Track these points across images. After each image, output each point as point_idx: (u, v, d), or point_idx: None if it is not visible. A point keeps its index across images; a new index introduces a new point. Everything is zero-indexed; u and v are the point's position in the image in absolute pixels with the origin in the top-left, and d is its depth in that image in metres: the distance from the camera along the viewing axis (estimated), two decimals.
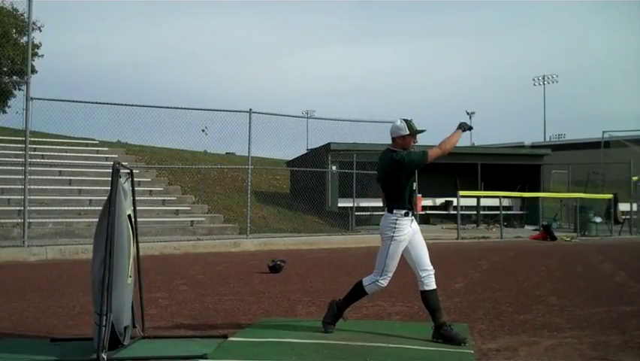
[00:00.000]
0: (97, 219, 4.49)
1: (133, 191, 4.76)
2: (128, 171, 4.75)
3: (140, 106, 13.21)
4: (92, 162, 16.87)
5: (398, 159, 4.82)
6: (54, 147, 17.42)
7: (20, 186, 11.72)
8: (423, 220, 17.99)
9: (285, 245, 13.64)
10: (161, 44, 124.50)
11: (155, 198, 16.00)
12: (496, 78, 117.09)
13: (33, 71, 17.64)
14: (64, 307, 6.33)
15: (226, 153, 23.13)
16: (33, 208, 12.45)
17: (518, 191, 20.83)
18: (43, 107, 11.69)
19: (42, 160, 15.77)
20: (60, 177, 15.48)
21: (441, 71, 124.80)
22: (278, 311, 6.21)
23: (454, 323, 5.18)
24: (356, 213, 17.40)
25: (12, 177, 13.59)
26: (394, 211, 4.86)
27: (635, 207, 19.88)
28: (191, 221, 15.13)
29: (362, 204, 18.03)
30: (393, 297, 6.90)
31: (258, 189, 19.30)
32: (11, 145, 15.28)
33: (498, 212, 19.03)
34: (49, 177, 14.99)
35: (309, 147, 20.19)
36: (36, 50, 21.94)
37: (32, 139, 12.39)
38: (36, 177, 13.60)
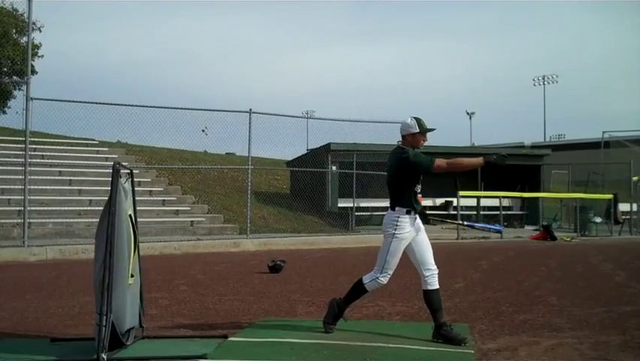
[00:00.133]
0: (97, 220, 4.50)
1: (133, 191, 4.76)
2: (128, 171, 4.75)
3: (140, 106, 13.23)
4: (92, 162, 16.87)
5: (405, 156, 4.83)
6: (54, 147, 17.42)
7: (20, 186, 11.73)
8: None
9: (285, 245, 13.64)
10: (161, 44, 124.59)
11: (155, 198, 16.00)
12: (496, 78, 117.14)
13: (33, 71, 17.66)
14: (64, 307, 6.33)
15: (226, 153, 23.13)
16: (33, 208, 12.45)
17: (518, 191, 20.83)
18: (43, 107, 11.70)
19: (42, 160, 15.77)
20: (60, 177, 15.48)
21: (441, 71, 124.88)
22: (278, 311, 6.21)
23: (454, 322, 5.18)
24: (356, 214, 17.40)
25: (12, 177, 13.59)
26: (397, 209, 4.86)
27: (635, 207, 19.89)
28: (191, 221, 15.13)
29: (362, 205, 18.04)
30: (393, 297, 6.90)
31: (258, 189, 19.31)
32: (11, 145, 15.29)
33: (498, 212, 19.04)
34: (49, 177, 14.99)
35: (309, 147, 20.20)
36: (36, 50, 21.94)
37: (32, 139, 12.39)
38: (36, 177, 13.60)
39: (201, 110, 14.13)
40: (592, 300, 6.87)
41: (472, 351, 4.55)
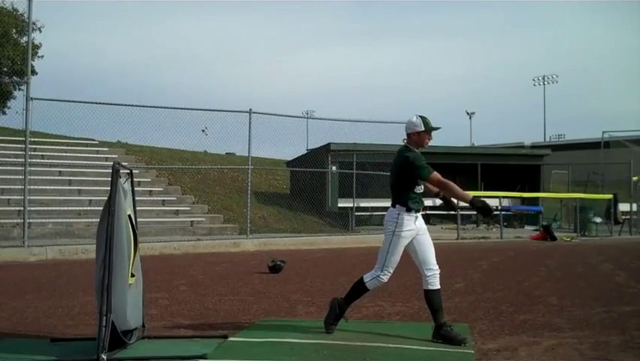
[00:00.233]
0: (97, 220, 4.50)
1: (133, 191, 4.76)
2: (128, 171, 4.75)
3: (140, 106, 13.23)
4: (92, 162, 16.87)
5: (408, 155, 4.85)
6: (54, 147, 17.42)
7: (20, 186, 11.73)
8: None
9: (285, 245, 13.64)
10: (161, 44, 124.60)
11: (155, 198, 16.00)
12: (496, 78, 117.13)
13: (33, 72, 17.67)
14: (64, 307, 6.33)
15: (226, 153, 23.14)
16: (33, 208, 12.45)
17: (518, 191, 20.83)
18: (43, 107, 11.70)
19: (42, 160, 15.78)
20: (60, 177, 15.48)
21: (441, 71, 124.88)
22: (278, 311, 6.21)
23: (454, 322, 5.18)
24: (356, 214, 17.40)
25: (12, 177, 13.58)
26: (397, 206, 4.88)
27: (635, 207, 19.89)
28: (191, 221, 15.13)
29: (362, 205, 18.04)
30: (393, 297, 6.91)
31: (258, 190, 19.31)
32: (11, 145, 15.28)
33: (498, 212, 19.04)
34: (49, 177, 14.99)
35: (309, 147, 20.21)
36: (36, 50, 21.94)
37: (32, 139, 12.39)
38: (36, 177, 13.61)
39: (201, 110, 14.13)
40: (592, 300, 6.87)
41: (472, 351, 4.55)
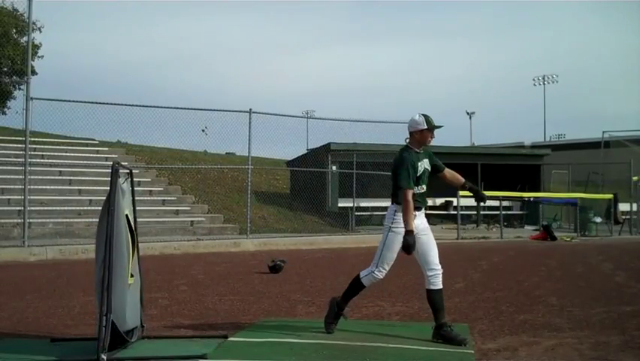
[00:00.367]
0: (97, 219, 4.50)
1: (133, 191, 4.76)
2: (128, 171, 4.75)
3: (140, 106, 13.23)
4: (92, 162, 16.87)
5: (399, 157, 4.89)
6: (54, 147, 17.42)
7: (20, 186, 11.73)
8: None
9: (285, 245, 13.64)
10: (161, 44, 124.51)
11: (155, 198, 16.00)
12: (496, 78, 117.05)
13: (33, 72, 17.65)
14: (64, 307, 6.33)
15: (226, 153, 23.14)
16: (33, 208, 12.45)
17: (518, 191, 20.83)
18: (43, 107, 11.71)
19: (42, 160, 15.77)
20: (60, 177, 15.48)
21: (441, 71, 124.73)
22: (278, 311, 6.21)
23: (454, 322, 5.18)
24: (356, 214, 17.41)
25: (12, 177, 13.59)
26: (394, 204, 4.91)
27: (635, 207, 19.89)
28: (191, 221, 15.14)
29: (362, 204, 18.04)
30: (394, 297, 6.91)
31: (258, 189, 19.31)
32: (11, 145, 15.28)
33: (498, 212, 19.04)
34: (49, 177, 14.99)
35: (309, 147, 20.21)
36: (36, 50, 21.94)
37: (32, 139, 12.39)
38: (36, 177, 13.60)
39: (201, 110, 14.14)
40: (592, 300, 6.87)
41: (472, 351, 4.55)
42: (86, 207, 14.04)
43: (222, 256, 11.79)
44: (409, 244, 4.68)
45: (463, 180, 5.20)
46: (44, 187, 14.23)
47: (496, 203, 19.39)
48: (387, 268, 4.94)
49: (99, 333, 4.09)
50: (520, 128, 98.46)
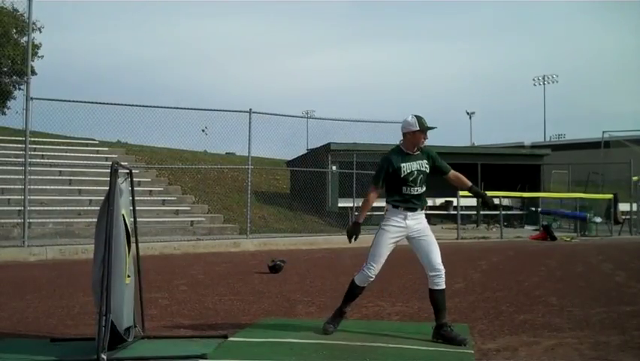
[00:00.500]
0: (96, 220, 4.50)
1: (132, 191, 4.76)
2: (127, 171, 4.74)
3: (140, 106, 13.24)
4: (92, 162, 16.87)
5: (381, 158, 5.07)
6: (54, 147, 17.41)
7: (20, 186, 11.73)
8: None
9: (285, 245, 13.64)
10: (162, 44, 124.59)
11: (155, 198, 16.00)
12: (496, 78, 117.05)
13: (33, 72, 17.64)
14: (64, 307, 6.33)
15: (226, 153, 23.14)
16: (33, 208, 12.45)
17: (518, 191, 20.83)
18: (43, 107, 11.71)
19: (42, 160, 15.77)
20: (60, 177, 15.48)
21: (441, 70, 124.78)
22: (278, 311, 6.21)
23: (454, 322, 5.18)
24: (356, 214, 17.37)
25: (12, 177, 13.58)
26: (386, 202, 5.01)
27: (635, 207, 19.88)
28: (191, 221, 15.13)
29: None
30: (394, 297, 6.91)
31: (258, 189, 19.31)
32: (11, 145, 15.28)
33: (498, 212, 19.04)
34: (49, 177, 14.99)
35: (309, 147, 20.20)
36: (36, 50, 21.94)
37: (32, 139, 12.39)
38: (36, 177, 13.60)
39: (201, 110, 14.15)
40: (592, 300, 6.87)
41: (472, 351, 4.55)
42: (85, 207, 14.03)
43: (222, 256, 11.79)
44: (348, 231, 5.07)
45: (469, 183, 5.18)
46: (44, 187, 14.22)
47: (495, 203, 19.41)
48: (377, 265, 4.94)
49: (98, 333, 4.09)
50: (520, 128, 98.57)
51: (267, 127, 14.68)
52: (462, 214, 18.01)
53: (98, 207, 4.53)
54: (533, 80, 63.46)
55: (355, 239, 5.04)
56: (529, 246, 15.29)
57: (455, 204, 18.64)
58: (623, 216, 20.25)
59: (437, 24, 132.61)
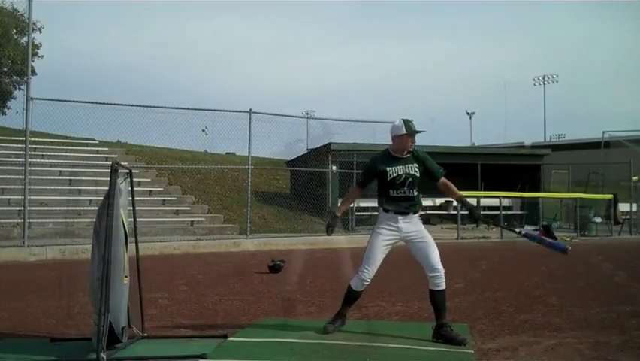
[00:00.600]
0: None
1: (132, 191, 4.76)
2: (127, 171, 4.74)
3: (140, 106, 13.23)
4: (92, 162, 16.87)
5: (370, 159, 5.18)
6: (54, 147, 17.42)
7: (20, 186, 11.73)
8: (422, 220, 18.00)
9: (285, 245, 13.63)
10: (161, 44, 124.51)
11: (155, 198, 15.99)
12: (496, 78, 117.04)
13: (33, 72, 17.64)
14: (64, 307, 6.32)
15: (226, 153, 23.15)
16: (33, 208, 12.45)
17: (518, 191, 20.82)
18: (43, 107, 11.72)
19: (42, 160, 15.77)
20: (60, 177, 15.47)
21: (441, 70, 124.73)
22: (278, 311, 6.21)
23: (454, 323, 5.18)
24: (356, 214, 17.39)
25: (12, 177, 13.59)
26: (378, 205, 5.09)
27: (635, 207, 19.88)
28: (191, 221, 15.13)
29: (362, 205, 18.00)
30: (393, 297, 6.90)
31: (258, 189, 19.30)
32: (11, 145, 15.27)
33: (498, 212, 19.03)
34: (49, 177, 14.99)
35: (309, 147, 20.20)
36: (36, 50, 21.95)
37: (32, 139, 12.38)
38: (36, 177, 13.60)
39: (201, 110, 14.16)
40: (592, 300, 6.87)
41: (472, 351, 4.55)
42: (86, 207, 14.01)
43: (222, 256, 11.79)
44: (327, 223, 5.22)
45: (458, 193, 5.22)
46: (44, 187, 14.23)
47: (495, 203, 19.40)
48: (371, 268, 4.94)
49: (98, 333, 4.09)
50: (520, 128, 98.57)
51: (267, 127, 14.70)
52: (462, 214, 17.98)
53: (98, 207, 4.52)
54: (533, 80, 63.45)
55: (332, 232, 5.17)
56: (529, 246, 15.23)
57: (455, 204, 18.64)
58: (623, 217, 20.25)
59: (437, 24, 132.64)
